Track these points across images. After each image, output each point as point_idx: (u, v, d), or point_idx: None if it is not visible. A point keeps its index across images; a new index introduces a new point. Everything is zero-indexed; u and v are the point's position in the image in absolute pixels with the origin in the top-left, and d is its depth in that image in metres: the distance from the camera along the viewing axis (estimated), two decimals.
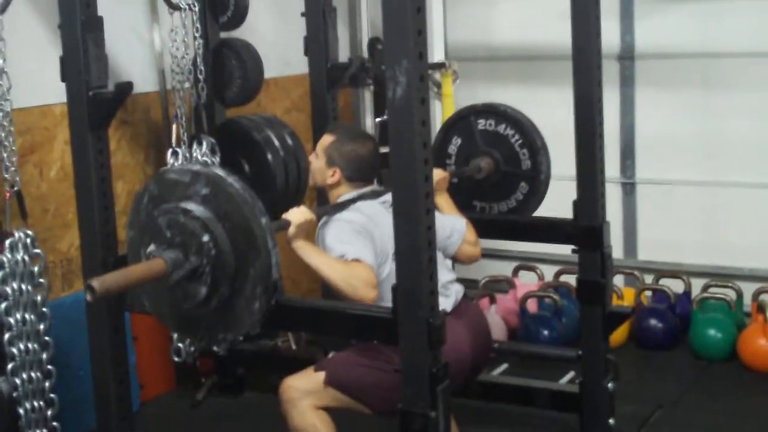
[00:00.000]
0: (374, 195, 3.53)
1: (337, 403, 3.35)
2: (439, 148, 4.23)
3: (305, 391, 3.33)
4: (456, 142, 4.22)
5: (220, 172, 2.72)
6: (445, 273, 3.46)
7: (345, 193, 3.55)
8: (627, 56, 5.57)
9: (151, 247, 2.71)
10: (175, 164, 3.84)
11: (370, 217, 3.40)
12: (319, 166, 3.61)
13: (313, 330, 3.94)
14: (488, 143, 4.16)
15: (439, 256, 3.51)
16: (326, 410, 3.35)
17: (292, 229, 3.21)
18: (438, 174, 3.81)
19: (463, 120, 4.23)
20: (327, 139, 3.62)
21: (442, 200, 3.80)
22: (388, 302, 3.06)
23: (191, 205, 2.69)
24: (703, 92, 5.44)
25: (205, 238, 2.65)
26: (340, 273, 3.20)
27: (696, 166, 5.52)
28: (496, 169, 4.14)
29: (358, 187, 3.56)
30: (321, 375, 3.35)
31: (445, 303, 3.31)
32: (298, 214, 3.23)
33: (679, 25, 5.40)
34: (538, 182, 4.11)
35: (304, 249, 3.24)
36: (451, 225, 3.69)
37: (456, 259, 3.79)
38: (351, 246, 3.26)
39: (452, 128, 4.26)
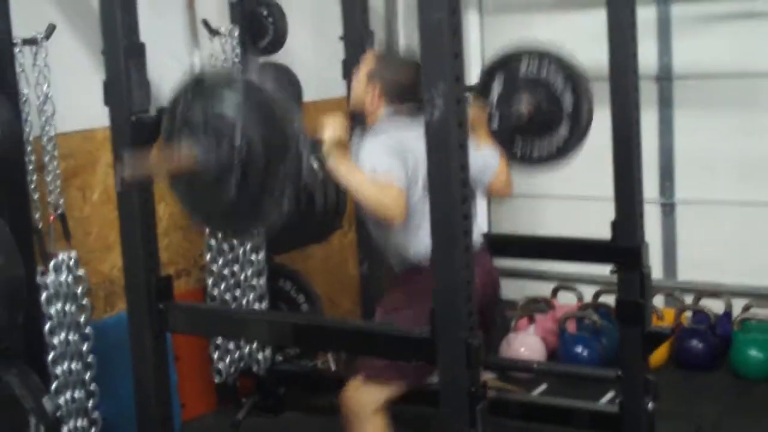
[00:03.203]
0: (411, 119, 3.46)
1: (386, 394, 3.44)
2: (480, 92, 4.16)
3: (359, 399, 3.45)
4: (498, 85, 4.15)
5: (254, 72, 2.80)
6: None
7: (383, 114, 3.53)
8: (665, 77, 5.56)
9: (184, 143, 2.79)
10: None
11: (403, 139, 3.38)
12: (360, 86, 3.58)
13: (351, 350, 3.96)
14: (530, 86, 4.09)
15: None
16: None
17: (326, 143, 3.21)
18: (476, 109, 3.83)
19: (505, 62, 4.16)
20: (369, 60, 3.60)
21: (479, 134, 3.79)
22: (415, 229, 3.28)
23: (226, 105, 2.76)
24: (743, 112, 5.42)
25: (238, 136, 2.71)
26: (370, 191, 3.21)
27: (736, 185, 5.49)
28: (537, 112, 4.07)
29: (396, 107, 3.53)
30: (359, 378, 3.47)
31: None
32: (331, 128, 3.24)
33: (718, 45, 5.39)
34: (580, 125, 4.03)
35: (336, 164, 3.24)
36: (484, 158, 3.67)
37: (488, 193, 3.79)
38: (382, 165, 3.26)
39: (495, 71, 4.18)
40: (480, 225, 3.60)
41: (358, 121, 3.66)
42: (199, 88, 2.90)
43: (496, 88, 4.16)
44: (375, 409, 3.45)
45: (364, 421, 3.46)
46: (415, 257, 3.43)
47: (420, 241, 3.35)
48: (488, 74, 4.21)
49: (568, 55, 4.09)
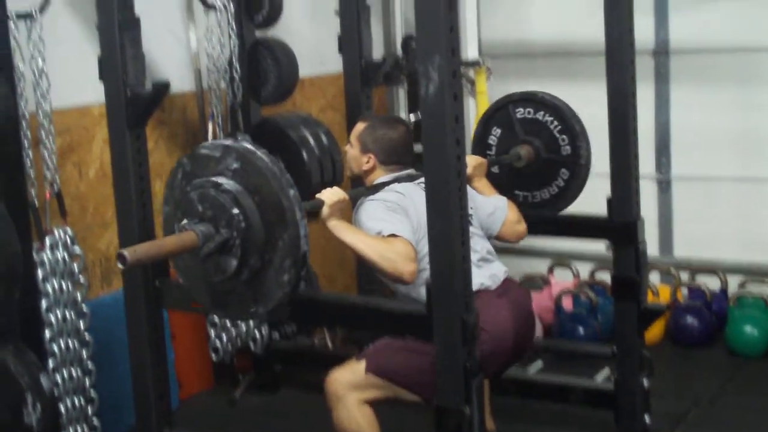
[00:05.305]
0: (409, 178, 3.53)
1: (382, 392, 3.37)
2: (479, 140, 4.21)
3: (349, 385, 3.37)
4: (496, 132, 4.18)
5: (249, 146, 2.77)
6: (480, 247, 3.48)
7: (380, 177, 3.56)
8: (662, 52, 5.54)
9: (183, 221, 2.77)
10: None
11: (404, 194, 3.41)
12: (354, 154, 3.63)
13: (348, 326, 3.97)
14: (528, 131, 4.11)
15: (478, 231, 3.53)
16: (373, 403, 3.38)
17: (325, 209, 3.20)
18: (475, 160, 3.84)
19: (501, 110, 4.19)
20: (360, 127, 3.65)
21: (481, 185, 3.82)
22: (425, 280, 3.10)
23: (222, 179, 2.75)
24: (740, 88, 5.41)
25: (235, 211, 2.70)
26: (376, 249, 3.18)
27: (732, 162, 5.48)
28: (536, 157, 4.10)
29: (393, 171, 3.57)
30: (362, 364, 3.38)
31: (480, 275, 3.33)
32: (331, 194, 3.22)
33: (715, 20, 5.37)
34: (579, 168, 4.06)
35: (338, 227, 3.22)
36: (492, 203, 3.71)
37: (501, 238, 3.78)
38: (386, 223, 3.25)
39: (491, 119, 4.22)
40: (501, 267, 3.58)
41: (357, 183, 3.67)
42: (193, 161, 2.88)
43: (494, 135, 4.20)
44: (360, 401, 3.37)
45: (349, 409, 3.37)
46: None
47: None
48: (486, 122, 4.23)
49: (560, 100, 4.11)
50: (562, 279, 5.64)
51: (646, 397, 3.95)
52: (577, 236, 4.38)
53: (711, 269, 5.40)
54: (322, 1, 5.10)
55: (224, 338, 4.59)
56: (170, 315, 4.31)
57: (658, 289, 5.32)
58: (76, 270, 3.82)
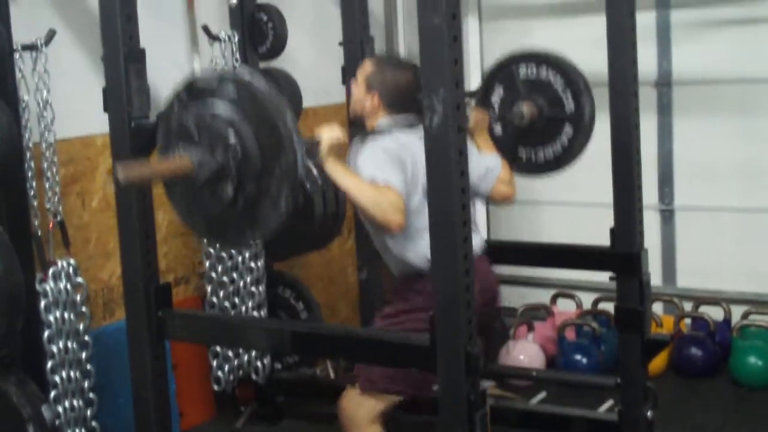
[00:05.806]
0: (410, 125, 3.48)
1: (385, 403, 3.44)
2: (482, 99, 4.18)
3: (355, 409, 3.45)
4: (498, 91, 4.14)
5: (246, 75, 2.78)
6: None
7: (382, 120, 3.52)
8: (664, 83, 5.56)
9: (180, 149, 2.81)
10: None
11: (403, 144, 3.39)
12: (359, 93, 3.58)
13: (350, 358, 3.95)
14: (530, 89, 4.08)
15: None
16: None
17: (324, 148, 3.20)
18: (477, 114, 3.85)
19: (504, 68, 4.15)
20: (367, 66, 3.59)
21: (481, 140, 3.83)
22: (415, 235, 3.26)
23: (219, 107, 2.76)
24: (742, 118, 5.42)
25: (232, 137, 2.71)
26: (368, 196, 3.20)
27: (735, 192, 5.49)
28: (539, 115, 4.04)
29: (395, 115, 3.52)
30: (357, 386, 3.46)
31: None
32: (329, 132, 3.22)
33: (717, 51, 5.39)
34: (582, 124, 4.01)
35: (335, 170, 3.23)
36: (486, 164, 3.71)
37: (490, 199, 3.78)
38: (381, 170, 3.26)
39: (494, 78, 4.18)
40: (480, 231, 3.59)
41: (357, 127, 3.65)
42: (190, 93, 2.90)
43: (497, 94, 4.16)
44: (371, 420, 3.45)
45: (360, 431, 3.47)
46: (416, 263, 3.42)
47: (420, 247, 3.34)
48: (488, 81, 4.20)
49: (563, 57, 4.09)
50: (565, 309, 5.62)
51: (650, 429, 3.92)
52: (581, 267, 4.37)
53: (714, 299, 5.39)
54: (327, 32, 5.12)
55: (226, 368, 4.59)
56: (172, 345, 4.28)
57: (662, 320, 5.31)
58: (79, 300, 3.82)
